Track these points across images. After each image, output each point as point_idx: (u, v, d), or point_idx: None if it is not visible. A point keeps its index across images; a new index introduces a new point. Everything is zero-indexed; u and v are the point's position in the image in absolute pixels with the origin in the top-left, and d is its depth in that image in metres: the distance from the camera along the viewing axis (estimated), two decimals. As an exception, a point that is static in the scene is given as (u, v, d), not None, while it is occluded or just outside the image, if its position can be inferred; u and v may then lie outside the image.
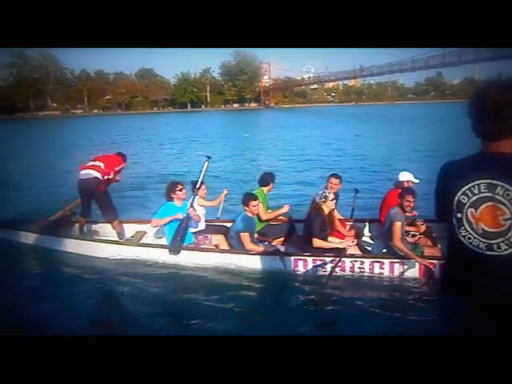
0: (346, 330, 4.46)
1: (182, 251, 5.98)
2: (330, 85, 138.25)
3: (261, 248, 6.08)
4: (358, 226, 6.76)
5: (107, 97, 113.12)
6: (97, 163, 6.84)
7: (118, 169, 7.09)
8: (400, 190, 5.92)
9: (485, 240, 1.84)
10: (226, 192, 7.23)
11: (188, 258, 6.08)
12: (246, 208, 6.01)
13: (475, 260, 1.84)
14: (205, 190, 6.77)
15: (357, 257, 5.73)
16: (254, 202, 6.00)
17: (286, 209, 6.77)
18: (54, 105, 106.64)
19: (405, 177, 6.32)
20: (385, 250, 5.95)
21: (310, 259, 5.72)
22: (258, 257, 5.88)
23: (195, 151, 23.11)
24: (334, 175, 6.72)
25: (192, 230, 6.40)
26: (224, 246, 6.55)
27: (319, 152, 20.55)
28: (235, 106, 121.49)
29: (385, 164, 16.00)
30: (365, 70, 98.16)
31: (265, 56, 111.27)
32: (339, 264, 5.47)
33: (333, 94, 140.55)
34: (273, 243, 6.34)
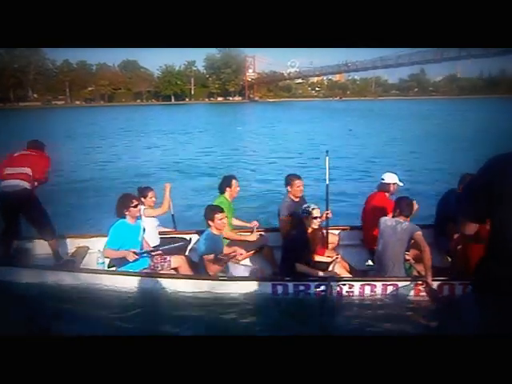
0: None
1: (133, 278, 4.90)
2: (315, 79, 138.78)
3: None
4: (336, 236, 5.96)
5: (89, 88, 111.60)
6: (22, 170, 5.46)
7: (47, 170, 5.81)
8: (385, 194, 5.50)
9: None
10: (168, 186, 5.86)
11: (144, 286, 4.89)
12: (211, 223, 4.92)
13: None
14: (153, 198, 5.71)
15: (346, 281, 4.83)
16: (219, 215, 4.90)
17: (253, 225, 5.78)
18: (35, 95, 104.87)
19: (391, 178, 5.63)
20: (370, 262, 5.49)
21: (290, 284, 4.76)
22: (230, 282, 4.86)
23: (182, 144, 22.99)
24: (296, 176, 5.71)
25: (145, 245, 5.23)
26: (186, 269, 5.23)
27: (300, 148, 20.45)
28: (219, 99, 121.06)
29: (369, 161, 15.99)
30: (350, 64, 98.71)
31: (250, 49, 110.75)
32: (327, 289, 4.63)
33: (317, 89, 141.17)
34: (240, 259, 5.34)
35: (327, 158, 5.71)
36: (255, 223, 5.81)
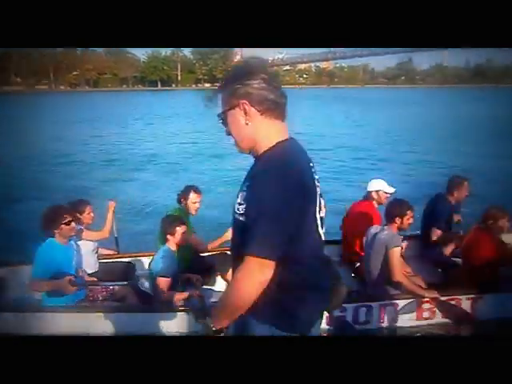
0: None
1: (62, 315, 3.88)
2: (303, 66, 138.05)
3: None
4: None
5: (74, 73, 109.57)
6: None
7: None
8: (372, 203, 4.85)
9: None
10: (112, 205, 4.86)
11: (78, 324, 3.84)
12: (170, 238, 4.15)
13: None
14: (91, 214, 4.58)
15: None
16: (180, 229, 4.13)
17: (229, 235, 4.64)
18: (18, 80, 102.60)
19: (377, 185, 4.88)
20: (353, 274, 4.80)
21: None
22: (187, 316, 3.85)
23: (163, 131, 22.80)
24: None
25: (80, 272, 4.14)
26: (133, 300, 4.22)
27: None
28: (206, 85, 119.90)
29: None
30: (337, 52, 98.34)
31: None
32: None
33: (305, 76, 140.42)
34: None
35: None
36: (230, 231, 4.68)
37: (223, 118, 1.74)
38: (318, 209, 1.72)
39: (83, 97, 70.37)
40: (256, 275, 1.54)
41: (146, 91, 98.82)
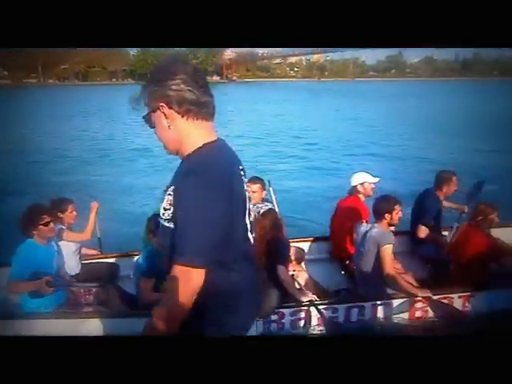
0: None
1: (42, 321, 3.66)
2: (293, 60, 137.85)
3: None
4: (298, 250, 4.95)
5: (63, 66, 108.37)
6: None
7: None
8: (359, 197, 4.80)
9: None
10: (95, 206, 4.72)
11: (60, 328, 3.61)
12: (154, 238, 3.87)
13: None
14: (74, 212, 4.43)
15: (329, 304, 3.95)
16: None
17: None
18: (6, 73, 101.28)
19: (361, 178, 4.83)
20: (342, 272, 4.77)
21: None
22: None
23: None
24: (251, 180, 4.45)
25: (61, 273, 4.03)
26: (117, 302, 4.03)
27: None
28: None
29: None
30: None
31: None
32: (302, 315, 3.85)
33: (295, 69, 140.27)
34: None
35: (271, 188, 5.15)
36: None
37: (147, 121, 1.68)
38: (247, 212, 1.68)
39: (73, 91, 69.62)
40: (187, 284, 1.47)
41: (135, 85, 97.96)
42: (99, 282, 4.17)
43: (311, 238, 5.34)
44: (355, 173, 4.95)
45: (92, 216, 4.63)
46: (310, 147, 15.63)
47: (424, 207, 4.90)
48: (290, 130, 20.56)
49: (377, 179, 4.82)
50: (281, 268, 3.85)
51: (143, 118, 1.68)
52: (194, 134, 1.62)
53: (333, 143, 16.50)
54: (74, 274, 4.36)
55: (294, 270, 4.35)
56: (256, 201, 4.58)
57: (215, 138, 1.66)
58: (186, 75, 1.59)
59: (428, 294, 3.98)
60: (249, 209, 1.69)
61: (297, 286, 4.11)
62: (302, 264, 4.85)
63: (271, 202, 4.88)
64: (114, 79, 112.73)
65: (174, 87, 1.57)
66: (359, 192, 4.82)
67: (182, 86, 1.58)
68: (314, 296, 3.91)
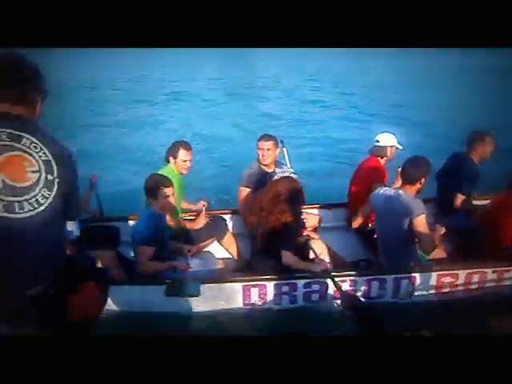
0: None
1: None
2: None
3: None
4: (313, 215, 4.50)
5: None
6: None
7: None
8: (381, 159, 4.37)
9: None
10: (95, 177, 4.36)
11: None
12: (153, 201, 3.59)
13: None
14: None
15: (347, 276, 3.57)
16: (165, 191, 3.53)
17: (200, 206, 4.49)
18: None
19: (387, 140, 4.40)
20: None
21: (270, 284, 3.51)
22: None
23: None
24: (264, 137, 4.32)
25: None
26: (116, 269, 3.74)
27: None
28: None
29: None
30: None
31: None
32: (316, 288, 3.54)
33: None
34: (189, 255, 3.84)
35: (284, 148, 4.74)
36: (202, 203, 4.48)
37: None
38: None
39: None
40: None
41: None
42: (100, 247, 3.72)
43: (328, 204, 4.87)
44: (381, 133, 4.46)
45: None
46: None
47: (461, 174, 4.36)
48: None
49: (401, 146, 4.44)
50: (286, 254, 3.49)
51: None
52: None
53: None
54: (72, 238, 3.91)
55: (307, 236, 3.99)
56: (271, 160, 4.29)
57: None
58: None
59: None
60: None
61: (312, 255, 3.70)
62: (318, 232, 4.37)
63: (285, 165, 4.39)
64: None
65: None
66: (385, 155, 4.38)
67: None
68: (330, 266, 3.56)
